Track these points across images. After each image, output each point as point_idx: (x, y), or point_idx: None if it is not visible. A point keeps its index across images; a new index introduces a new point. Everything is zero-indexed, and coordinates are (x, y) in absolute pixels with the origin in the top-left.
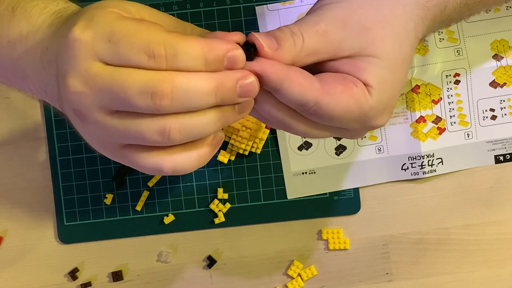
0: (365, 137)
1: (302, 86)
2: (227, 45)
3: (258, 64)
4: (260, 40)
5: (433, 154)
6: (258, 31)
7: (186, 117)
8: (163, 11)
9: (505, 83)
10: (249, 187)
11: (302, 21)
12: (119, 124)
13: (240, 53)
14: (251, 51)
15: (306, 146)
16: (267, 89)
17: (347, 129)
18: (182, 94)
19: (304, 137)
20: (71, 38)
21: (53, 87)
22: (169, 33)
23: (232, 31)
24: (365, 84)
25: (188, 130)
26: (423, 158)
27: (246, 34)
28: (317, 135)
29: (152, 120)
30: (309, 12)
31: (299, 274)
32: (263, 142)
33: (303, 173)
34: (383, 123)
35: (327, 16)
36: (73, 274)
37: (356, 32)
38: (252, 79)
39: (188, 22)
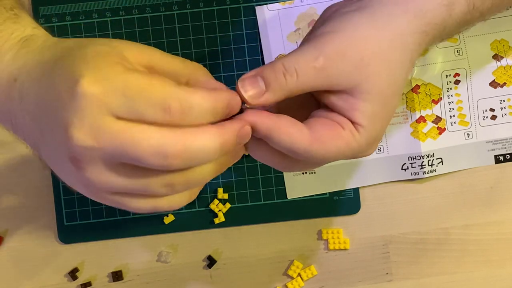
0: None
1: (292, 136)
2: (230, 94)
3: (246, 116)
4: (244, 93)
5: (433, 154)
6: (258, 32)
7: (190, 171)
8: (163, 11)
9: (505, 83)
10: (249, 187)
11: (301, 53)
12: (123, 176)
13: (238, 101)
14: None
15: None
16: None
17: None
18: (193, 154)
19: None
20: (79, 92)
21: (26, 123)
22: (180, 86)
23: (232, 31)
24: (355, 123)
25: (191, 182)
26: (423, 158)
27: (246, 35)
28: (311, 169)
29: (158, 175)
30: (309, 39)
31: (299, 274)
32: None
33: (303, 173)
34: (371, 153)
35: (327, 49)
36: (73, 274)
37: (354, 66)
38: (248, 127)
39: (189, 22)
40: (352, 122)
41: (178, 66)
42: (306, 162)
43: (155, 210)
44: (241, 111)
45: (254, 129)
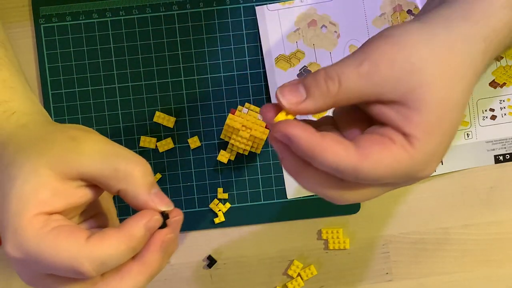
0: None
1: (337, 155)
2: (145, 218)
3: (289, 129)
4: (282, 98)
5: None
6: (258, 32)
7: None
8: (163, 11)
9: (504, 83)
10: (249, 187)
11: (347, 58)
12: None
13: (156, 220)
14: (164, 215)
15: None
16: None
17: (392, 183)
18: (102, 266)
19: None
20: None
21: None
22: (88, 242)
23: (232, 31)
24: (408, 135)
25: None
26: None
27: (246, 35)
28: (368, 198)
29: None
30: (358, 48)
31: (299, 274)
32: (263, 142)
33: None
34: (430, 172)
35: (373, 54)
36: None
37: (404, 72)
38: (156, 218)
39: (189, 22)
40: (405, 135)
41: (108, 174)
42: (358, 186)
43: None
44: (165, 224)
45: (296, 146)
